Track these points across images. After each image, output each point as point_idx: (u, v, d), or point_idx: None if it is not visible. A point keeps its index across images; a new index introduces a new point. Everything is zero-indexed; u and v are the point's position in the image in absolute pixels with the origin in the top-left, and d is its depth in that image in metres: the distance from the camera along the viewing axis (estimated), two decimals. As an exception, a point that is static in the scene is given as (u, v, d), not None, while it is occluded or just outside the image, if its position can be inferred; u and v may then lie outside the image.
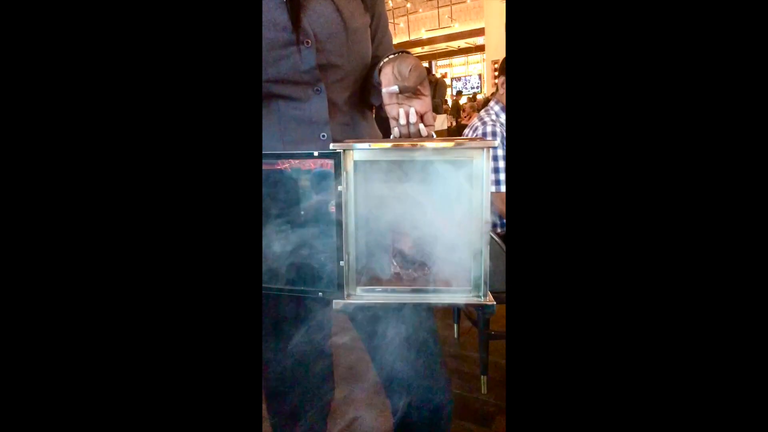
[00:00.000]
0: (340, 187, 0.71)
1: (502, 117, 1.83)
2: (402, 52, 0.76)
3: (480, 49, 11.98)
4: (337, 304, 0.73)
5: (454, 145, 0.67)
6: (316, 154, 0.73)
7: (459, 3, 11.88)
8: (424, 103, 0.72)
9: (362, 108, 0.92)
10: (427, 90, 0.73)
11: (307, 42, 0.78)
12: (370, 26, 0.90)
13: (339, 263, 0.72)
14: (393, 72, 0.72)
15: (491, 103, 1.90)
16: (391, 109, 0.73)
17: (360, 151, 0.69)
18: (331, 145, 0.70)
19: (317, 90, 0.82)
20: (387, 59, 0.75)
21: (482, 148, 0.65)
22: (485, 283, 0.66)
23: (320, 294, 0.76)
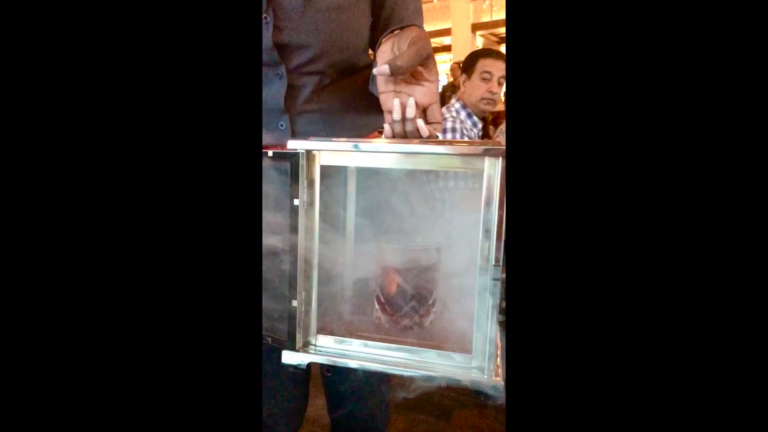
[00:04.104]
0: (297, 201, 0.51)
1: (463, 114, 1.81)
2: (413, 25, 0.57)
3: (446, 49, 11.90)
4: (287, 356, 0.54)
5: (457, 150, 0.49)
6: (270, 154, 0.54)
7: (426, 3, 11.72)
8: (427, 92, 0.53)
9: (349, 99, 0.73)
10: (432, 74, 0.53)
11: (264, 18, 0.64)
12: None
13: (291, 304, 0.53)
14: (392, 49, 0.53)
15: (452, 101, 1.85)
16: (386, 100, 0.54)
17: (329, 155, 0.50)
18: (290, 143, 0.51)
19: (278, 74, 0.68)
20: (389, 33, 0.56)
21: (497, 157, 0.47)
22: (492, 351, 0.48)
23: (268, 339, 0.57)
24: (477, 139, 1.83)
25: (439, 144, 0.49)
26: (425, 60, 0.52)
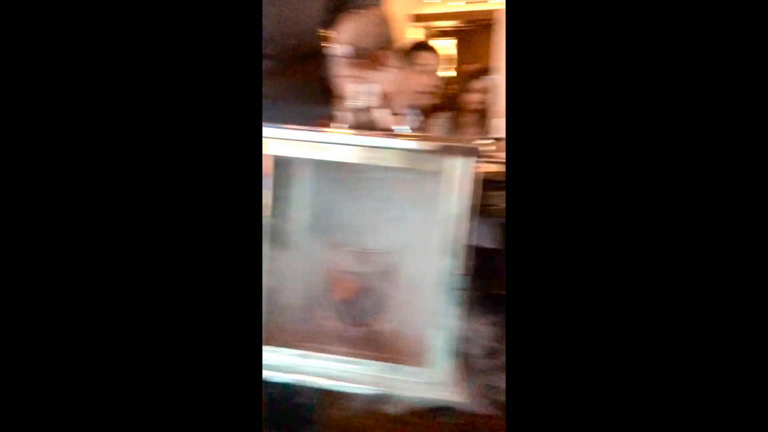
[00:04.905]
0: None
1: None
2: (378, 5, 0.52)
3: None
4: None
5: (425, 146, 0.44)
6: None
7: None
8: (392, 79, 0.48)
9: (299, 86, 0.67)
10: (398, 59, 0.49)
11: None
12: None
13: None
14: (355, 29, 0.48)
15: None
16: (346, 85, 0.49)
17: (279, 144, 0.44)
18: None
19: None
20: (352, 11, 0.51)
21: (463, 156, 0.43)
22: (453, 361, 0.44)
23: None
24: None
25: (405, 138, 0.44)
26: (391, 43, 0.47)
